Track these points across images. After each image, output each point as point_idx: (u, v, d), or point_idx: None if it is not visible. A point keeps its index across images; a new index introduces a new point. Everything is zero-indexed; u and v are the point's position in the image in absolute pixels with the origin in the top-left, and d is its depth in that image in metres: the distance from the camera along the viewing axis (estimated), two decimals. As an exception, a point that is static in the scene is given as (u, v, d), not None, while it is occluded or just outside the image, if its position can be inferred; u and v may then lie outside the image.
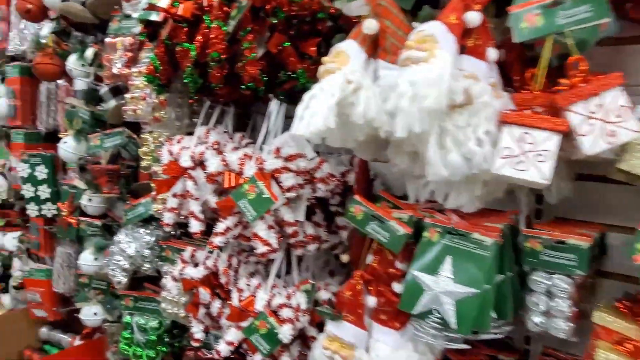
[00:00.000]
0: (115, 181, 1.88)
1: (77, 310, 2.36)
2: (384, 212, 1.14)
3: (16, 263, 2.75)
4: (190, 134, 1.58)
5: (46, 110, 2.40)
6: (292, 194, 1.28)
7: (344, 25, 1.25)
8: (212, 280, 1.52)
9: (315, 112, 0.98)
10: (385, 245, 1.12)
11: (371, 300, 1.16)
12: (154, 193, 1.74)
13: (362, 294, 1.16)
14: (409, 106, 0.87)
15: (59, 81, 2.37)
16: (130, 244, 1.77)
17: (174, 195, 1.46)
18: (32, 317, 2.69)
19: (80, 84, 1.89)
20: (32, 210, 2.44)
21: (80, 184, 2.15)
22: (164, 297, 1.75)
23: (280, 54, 1.26)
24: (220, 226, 1.31)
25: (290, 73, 1.27)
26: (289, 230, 1.32)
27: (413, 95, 0.87)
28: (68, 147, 1.98)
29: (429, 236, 1.08)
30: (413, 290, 1.06)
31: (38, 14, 2.03)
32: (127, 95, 1.63)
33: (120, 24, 1.76)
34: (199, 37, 1.24)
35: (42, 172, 2.40)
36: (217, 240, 1.31)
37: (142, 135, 1.91)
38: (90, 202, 2.01)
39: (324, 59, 1.05)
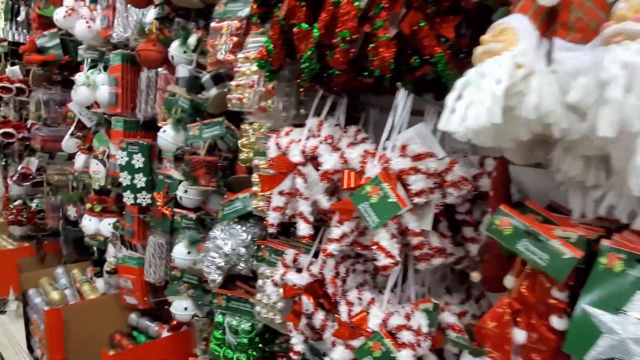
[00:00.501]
0: (212, 174, 1.79)
1: (167, 301, 2.34)
2: (543, 228, 0.93)
3: (110, 249, 2.79)
4: (298, 125, 1.44)
5: (145, 99, 2.38)
6: (421, 200, 1.10)
7: (492, 3, 1.05)
8: (316, 288, 1.37)
9: (474, 103, 0.79)
10: (545, 269, 0.91)
11: (520, 335, 0.95)
12: (255, 189, 1.63)
13: (509, 326, 0.96)
14: (623, 97, 0.65)
15: (159, 69, 2.34)
16: (227, 241, 1.67)
17: (281, 193, 1.33)
18: (123, 303, 2.72)
19: (182, 71, 1.82)
20: (127, 198, 2.45)
21: (176, 175, 2.10)
22: (259, 300, 1.64)
23: (414, 35, 1.08)
24: (336, 232, 1.15)
25: (426, 58, 1.08)
26: (414, 241, 1.14)
27: (629, 83, 0.65)
28: (167, 136, 1.93)
29: (608, 263, 0.85)
30: (585, 330, 0.84)
31: (143, 0, 1.99)
32: (232, 83, 1.52)
33: (226, 7, 1.66)
34: (324, 15, 1.08)
35: (139, 160, 2.39)
36: (331, 247, 1.15)
37: (241, 126, 1.81)
38: (186, 194, 1.95)
39: (483, 37, 0.85)
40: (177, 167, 2.26)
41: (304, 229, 1.28)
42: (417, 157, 1.12)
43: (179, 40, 1.91)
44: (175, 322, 2.45)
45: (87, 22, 2.52)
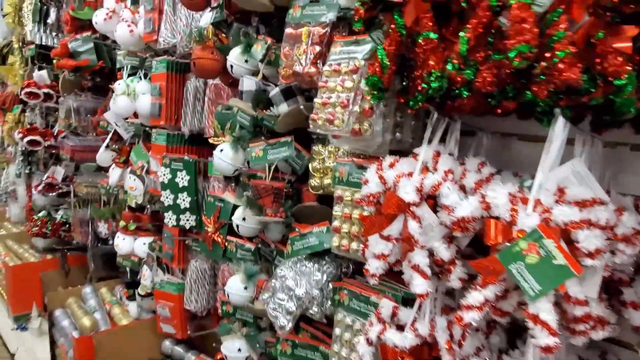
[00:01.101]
0: (280, 202, 1.56)
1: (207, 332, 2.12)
2: None
3: (145, 271, 2.57)
4: (395, 153, 1.21)
5: (192, 110, 2.16)
6: (595, 262, 0.85)
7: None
8: (425, 353, 1.13)
9: None
10: None
11: None
12: (336, 224, 1.39)
13: None
14: None
15: (210, 80, 2.12)
16: (300, 281, 1.43)
17: (387, 238, 1.09)
18: (159, 332, 2.50)
19: (249, 84, 1.59)
20: (169, 219, 2.23)
21: (230, 198, 1.87)
22: (336, 352, 1.40)
23: (591, 49, 0.84)
24: (476, 297, 0.91)
25: (607, 79, 0.83)
26: (576, 311, 0.89)
27: None
28: (225, 156, 1.70)
29: None
30: None
31: (202, 2, 1.77)
32: (317, 100, 1.28)
33: (304, 11, 1.43)
34: (475, 23, 0.84)
35: (183, 178, 2.17)
36: (469, 316, 0.91)
37: (312, 147, 1.58)
38: (244, 222, 1.71)
39: None
40: (229, 188, 2.03)
41: (420, 285, 1.03)
42: (584, 204, 0.88)
43: (241, 47, 1.69)
44: (220, 357, 2.22)
45: (129, 26, 2.32)
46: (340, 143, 1.34)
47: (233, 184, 2.10)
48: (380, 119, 1.23)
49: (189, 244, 2.31)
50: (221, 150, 1.72)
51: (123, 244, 2.65)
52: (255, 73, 1.64)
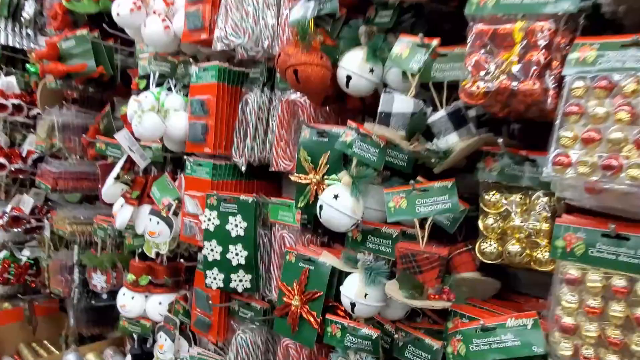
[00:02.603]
0: (442, 276, 1.06)
1: None
2: None
3: (164, 341, 1.96)
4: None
5: (252, 135, 1.62)
6: None
7: None
8: None
9: None
10: None
11: None
12: (571, 323, 0.90)
13: None
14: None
15: (278, 93, 1.60)
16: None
17: None
18: None
19: (401, 103, 1.08)
20: (213, 279, 1.66)
21: (328, 259, 1.34)
22: None
23: None
24: None
25: None
26: None
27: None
28: (342, 205, 1.17)
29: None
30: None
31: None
32: (566, 134, 0.81)
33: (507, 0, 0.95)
34: None
35: (238, 225, 1.61)
36: None
37: (485, 196, 1.09)
38: (366, 299, 1.19)
39: None
40: (311, 242, 1.50)
41: None
42: None
43: (366, 51, 1.19)
44: None
45: (163, 20, 1.75)
46: (602, 200, 0.86)
47: (317, 237, 1.57)
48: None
49: (234, 308, 1.74)
50: (336, 196, 1.19)
51: (132, 304, 2.03)
52: (411, 90, 1.12)
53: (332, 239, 1.64)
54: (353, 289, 1.22)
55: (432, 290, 1.05)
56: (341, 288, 1.27)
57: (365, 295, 1.21)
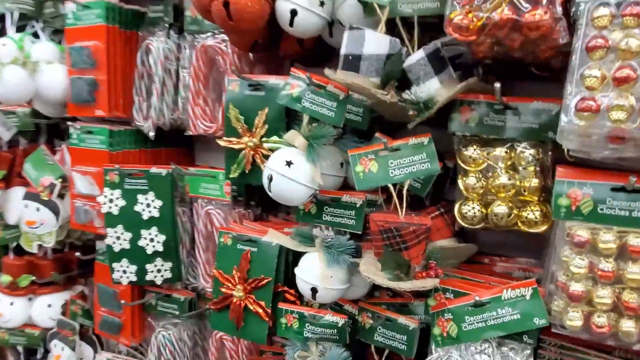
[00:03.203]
0: (424, 251, 0.89)
1: None
2: None
3: (58, 349, 1.60)
4: None
5: (158, 92, 1.31)
6: None
7: None
8: None
9: None
10: None
11: None
12: (579, 290, 0.80)
13: None
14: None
15: (189, 38, 1.29)
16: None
17: None
18: None
19: (373, 43, 0.83)
20: (122, 273, 1.35)
21: (274, 237, 1.12)
22: None
23: None
24: None
25: None
26: None
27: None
28: (297, 173, 0.94)
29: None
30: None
31: None
32: (591, 73, 0.67)
33: None
34: None
35: (151, 205, 1.31)
36: None
37: (461, 151, 0.94)
38: (331, 282, 1.00)
39: None
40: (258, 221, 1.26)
41: None
42: None
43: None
44: None
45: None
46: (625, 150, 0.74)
47: (250, 211, 1.33)
48: None
49: (151, 303, 1.45)
50: (289, 163, 0.95)
51: (12, 311, 1.62)
52: (380, 24, 0.89)
53: (266, 210, 1.42)
54: (314, 271, 1.02)
55: (419, 268, 0.89)
56: (297, 272, 1.06)
57: (331, 276, 1.02)
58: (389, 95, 0.86)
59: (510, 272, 1.11)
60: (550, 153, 0.93)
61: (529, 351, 0.90)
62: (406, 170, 0.93)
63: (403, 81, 0.92)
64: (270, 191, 0.98)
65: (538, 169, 0.92)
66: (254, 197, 1.35)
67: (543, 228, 0.91)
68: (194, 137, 1.50)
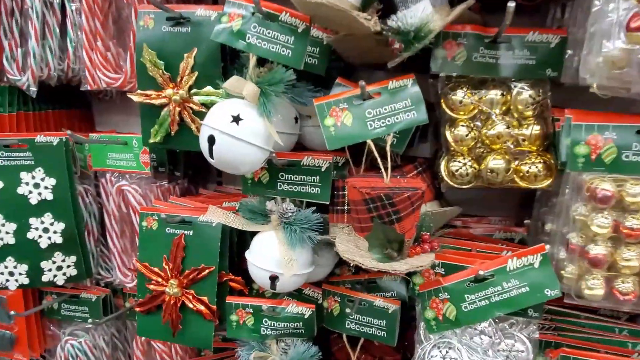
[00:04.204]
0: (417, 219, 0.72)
1: None
2: None
3: None
4: None
5: (39, 33, 0.98)
6: None
7: None
8: None
9: None
10: None
11: None
12: (602, 253, 0.68)
13: None
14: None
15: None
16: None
17: None
18: None
19: None
20: (6, 275, 1.03)
21: (215, 215, 0.88)
22: None
23: None
24: None
25: None
26: None
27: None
28: (247, 131, 0.71)
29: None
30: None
31: None
32: None
33: None
34: None
35: (40, 185, 1.00)
36: None
37: (447, 95, 0.77)
38: (294, 266, 0.80)
39: None
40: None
41: None
42: None
43: None
44: None
45: None
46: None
47: (175, 185, 1.08)
48: None
49: (52, 307, 1.15)
50: (236, 118, 0.72)
51: None
52: None
53: (193, 182, 1.16)
54: (272, 256, 0.81)
55: (411, 243, 0.72)
56: (249, 257, 0.84)
57: (294, 261, 0.81)
58: (372, 21, 0.65)
59: (490, 234, 0.99)
60: (549, 94, 0.79)
61: (535, 326, 0.78)
62: (388, 121, 0.74)
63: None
64: (212, 157, 0.74)
65: (537, 112, 0.78)
66: (177, 166, 1.09)
67: (546, 183, 0.77)
68: (93, 94, 1.19)
